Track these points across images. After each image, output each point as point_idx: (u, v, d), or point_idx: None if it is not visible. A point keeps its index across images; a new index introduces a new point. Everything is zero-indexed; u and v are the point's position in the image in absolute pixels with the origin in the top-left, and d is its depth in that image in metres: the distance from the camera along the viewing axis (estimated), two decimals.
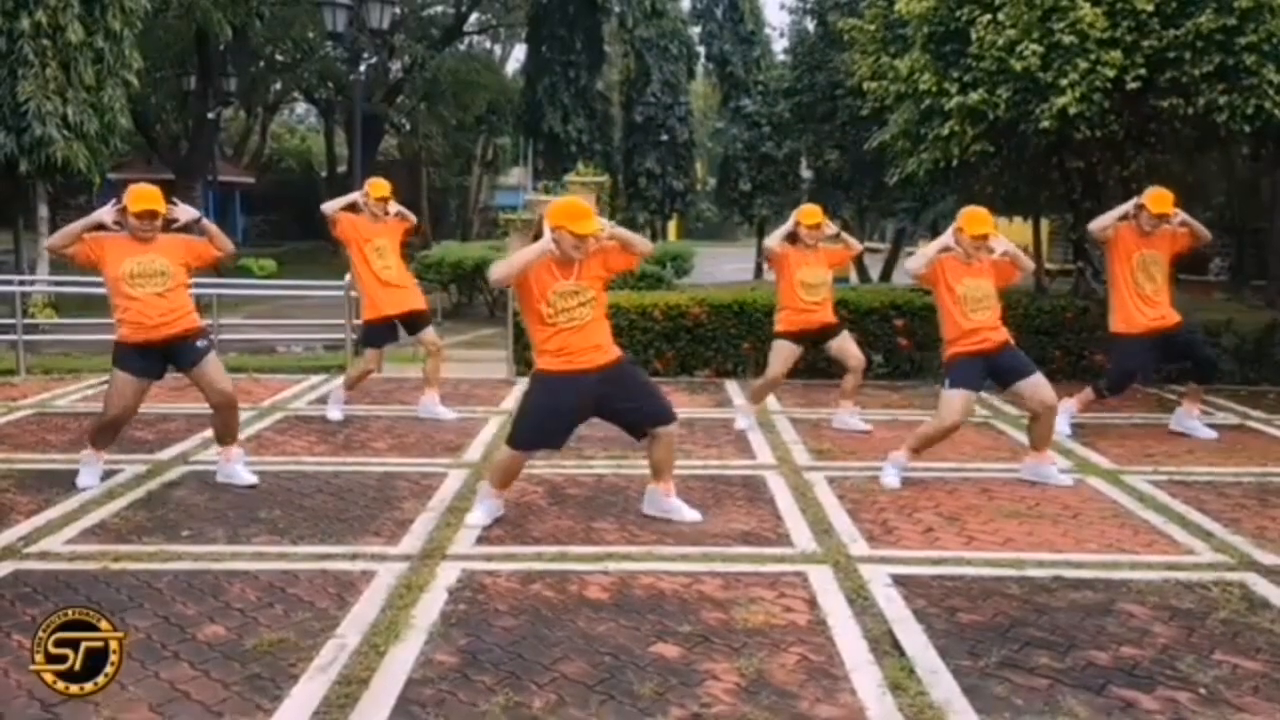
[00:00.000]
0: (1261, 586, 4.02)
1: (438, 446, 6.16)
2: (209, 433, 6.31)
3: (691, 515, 4.74)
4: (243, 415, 6.50)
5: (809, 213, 6.48)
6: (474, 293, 15.10)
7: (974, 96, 7.61)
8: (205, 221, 5.42)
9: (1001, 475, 5.60)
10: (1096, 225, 6.52)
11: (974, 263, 5.38)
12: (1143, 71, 7.18)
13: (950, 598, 3.87)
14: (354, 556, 4.22)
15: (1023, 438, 6.51)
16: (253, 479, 5.25)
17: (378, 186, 6.83)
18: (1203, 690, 3.16)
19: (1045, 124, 7.32)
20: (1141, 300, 6.43)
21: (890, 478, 5.40)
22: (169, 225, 5.27)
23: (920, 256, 5.58)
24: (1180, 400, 6.97)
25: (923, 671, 3.26)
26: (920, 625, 3.61)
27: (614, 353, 4.65)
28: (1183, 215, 6.40)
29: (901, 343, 8.24)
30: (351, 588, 3.88)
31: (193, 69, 22.35)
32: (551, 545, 4.39)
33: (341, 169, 31.28)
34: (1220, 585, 4.02)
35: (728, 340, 8.67)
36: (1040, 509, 5.01)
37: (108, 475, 5.33)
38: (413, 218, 7.13)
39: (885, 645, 3.45)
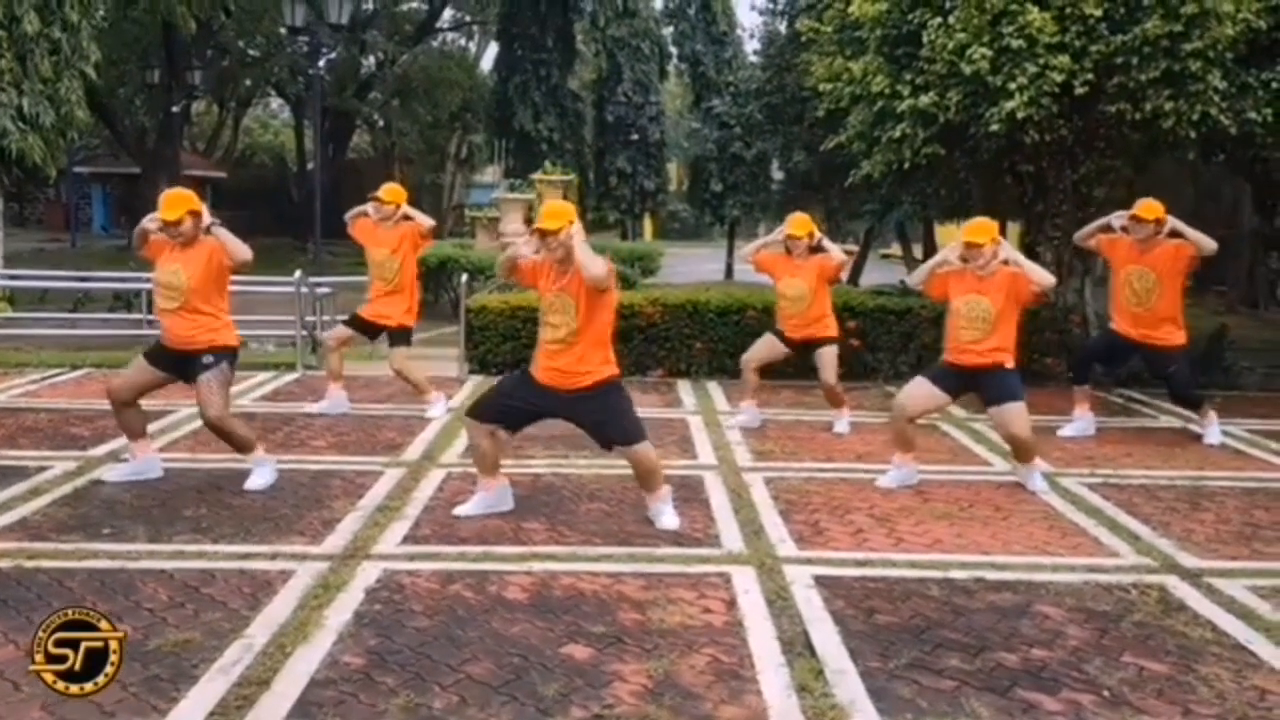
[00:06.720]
0: (1180, 589, 4.05)
1: (378, 445, 6.11)
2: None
3: (669, 522, 4.67)
4: (184, 412, 6.50)
5: (794, 223, 6.51)
6: (439, 291, 15.01)
7: (925, 99, 7.63)
8: (215, 228, 5.03)
9: (939, 477, 5.60)
10: (1078, 236, 6.81)
11: (982, 278, 5.27)
12: (1090, 76, 7.22)
13: (870, 599, 3.88)
14: (274, 556, 4.17)
15: (967, 440, 6.60)
16: (261, 484, 5.10)
17: (387, 192, 6.79)
18: (1106, 692, 3.17)
19: (994, 127, 7.36)
20: (1129, 318, 6.48)
21: (889, 480, 5.41)
22: (208, 229, 5.04)
23: (920, 271, 5.79)
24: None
25: (831, 673, 3.26)
26: (836, 626, 3.61)
27: (591, 379, 4.53)
28: (1173, 223, 6.25)
29: (853, 344, 8.24)
30: (267, 588, 3.83)
31: (158, 62, 22.17)
32: (476, 545, 4.36)
33: (313, 165, 31.13)
34: (1139, 588, 4.05)
35: (681, 340, 8.65)
36: (972, 511, 5.02)
37: (37, 471, 5.26)
38: (422, 220, 6.76)
39: (799, 647, 3.45)
